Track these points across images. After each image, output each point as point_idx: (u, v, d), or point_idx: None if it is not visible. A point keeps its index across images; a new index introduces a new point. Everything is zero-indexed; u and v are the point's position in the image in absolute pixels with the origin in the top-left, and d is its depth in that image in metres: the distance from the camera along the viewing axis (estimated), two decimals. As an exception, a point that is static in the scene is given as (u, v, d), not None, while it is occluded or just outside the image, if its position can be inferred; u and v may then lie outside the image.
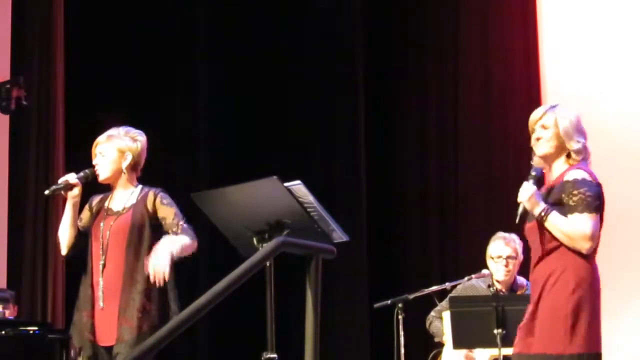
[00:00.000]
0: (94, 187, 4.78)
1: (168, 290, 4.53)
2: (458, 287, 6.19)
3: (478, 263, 6.19)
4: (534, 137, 4.17)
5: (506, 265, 6.02)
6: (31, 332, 5.34)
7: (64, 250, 4.69)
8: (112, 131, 4.71)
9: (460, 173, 8.16)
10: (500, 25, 8.11)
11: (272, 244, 2.83)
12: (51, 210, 7.26)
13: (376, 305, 6.30)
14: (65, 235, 4.66)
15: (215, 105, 8.66)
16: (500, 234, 6.09)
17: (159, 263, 4.37)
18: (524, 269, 5.56)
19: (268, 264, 4.06)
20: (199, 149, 8.63)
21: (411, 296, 6.11)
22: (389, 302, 6.14)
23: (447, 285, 6.20)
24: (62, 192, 4.62)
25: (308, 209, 4.16)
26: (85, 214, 4.72)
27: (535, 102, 7.18)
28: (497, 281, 6.06)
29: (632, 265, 7.15)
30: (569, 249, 4.01)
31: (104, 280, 4.54)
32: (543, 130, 4.14)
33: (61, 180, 4.65)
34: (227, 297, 2.64)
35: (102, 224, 4.62)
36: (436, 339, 6.28)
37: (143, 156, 4.73)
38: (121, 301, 4.48)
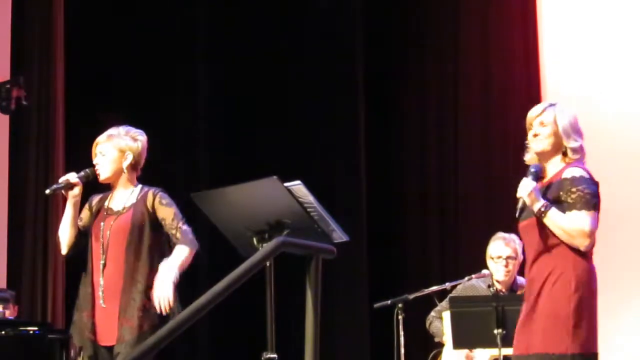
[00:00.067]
0: (93, 187, 4.78)
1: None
2: (458, 287, 6.19)
3: (478, 263, 6.19)
4: (531, 133, 4.18)
5: (506, 266, 6.02)
6: (31, 332, 5.34)
7: (64, 250, 4.69)
8: (113, 131, 4.71)
9: (460, 173, 8.16)
10: (500, 25, 8.11)
11: (272, 244, 2.83)
12: (51, 210, 7.26)
13: (376, 305, 6.30)
14: (65, 235, 4.66)
15: (215, 105, 8.66)
16: (500, 234, 6.09)
17: (163, 295, 4.39)
18: (524, 269, 5.56)
19: (268, 264, 4.06)
20: (199, 149, 8.63)
21: (411, 296, 6.11)
22: (389, 302, 6.14)
23: (447, 285, 6.20)
24: (63, 192, 4.62)
25: (308, 209, 4.16)
26: (85, 214, 4.72)
27: (535, 102, 7.10)
28: (497, 281, 6.06)
29: (632, 265, 7.15)
30: (568, 247, 4.02)
31: (105, 280, 4.54)
32: (541, 127, 4.15)
33: (62, 180, 4.65)
34: (227, 297, 2.64)
35: (102, 224, 4.62)
36: (436, 339, 6.28)
37: (143, 156, 4.73)
38: (122, 301, 4.48)
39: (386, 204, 8.48)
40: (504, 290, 6.04)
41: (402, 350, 6.08)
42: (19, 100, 4.99)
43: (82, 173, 4.65)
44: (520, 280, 6.05)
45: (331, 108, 8.54)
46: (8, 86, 4.98)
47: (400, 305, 6.05)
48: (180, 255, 4.50)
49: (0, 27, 7.42)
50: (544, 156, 4.16)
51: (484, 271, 6.11)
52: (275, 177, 4.12)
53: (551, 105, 4.23)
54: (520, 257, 5.98)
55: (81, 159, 5.15)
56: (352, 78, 8.53)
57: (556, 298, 3.98)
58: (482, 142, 8.11)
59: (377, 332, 7.39)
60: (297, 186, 4.17)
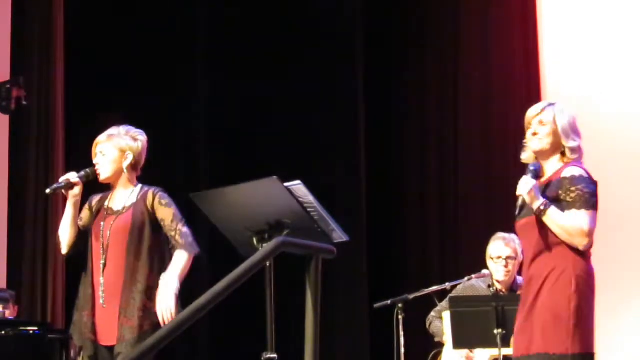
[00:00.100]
0: (93, 187, 4.78)
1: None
2: (458, 287, 6.18)
3: (478, 263, 6.19)
4: (529, 132, 4.19)
5: (506, 266, 6.02)
6: (31, 332, 5.34)
7: (64, 249, 4.69)
8: (113, 130, 4.71)
9: (460, 173, 8.16)
10: (500, 25, 8.11)
11: (272, 244, 2.83)
12: (51, 210, 7.26)
13: (376, 305, 6.30)
14: (65, 234, 4.65)
15: (215, 105, 8.66)
16: (500, 234, 6.09)
17: (165, 307, 4.39)
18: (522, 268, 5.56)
19: (268, 264, 4.05)
20: (199, 149, 8.63)
21: (411, 296, 6.11)
22: (389, 302, 6.13)
23: (447, 285, 6.20)
24: (63, 191, 4.62)
25: (308, 209, 4.15)
26: (85, 214, 4.71)
27: (535, 102, 7.11)
28: (497, 281, 6.06)
29: (632, 265, 7.15)
30: (568, 247, 4.02)
31: (105, 280, 4.54)
32: (541, 126, 4.16)
33: (62, 179, 4.65)
34: (227, 297, 2.64)
35: (102, 224, 4.61)
36: (436, 339, 6.28)
37: (143, 155, 4.73)
38: (122, 300, 4.48)
39: (386, 204, 8.48)
40: (504, 290, 6.04)
41: (402, 350, 6.08)
42: (19, 100, 4.99)
43: (82, 173, 4.64)
44: (520, 280, 6.04)
45: (331, 108, 8.54)
46: (8, 86, 4.98)
47: (400, 305, 6.04)
48: (179, 263, 4.49)
49: (0, 27, 7.42)
50: (542, 155, 4.17)
51: (484, 271, 6.11)
52: (275, 177, 4.12)
53: (550, 104, 4.23)
54: (520, 257, 5.97)
55: (81, 159, 5.15)
56: (352, 78, 8.53)
57: (557, 297, 3.98)
58: (482, 142, 8.11)
59: (377, 332, 7.40)
60: (297, 186, 4.17)
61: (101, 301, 4.54)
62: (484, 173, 8.05)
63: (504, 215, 5.68)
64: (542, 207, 4.03)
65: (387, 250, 8.38)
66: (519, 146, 4.29)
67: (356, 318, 8.18)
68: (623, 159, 7.23)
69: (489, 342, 5.35)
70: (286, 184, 4.14)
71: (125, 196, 4.66)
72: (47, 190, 4.69)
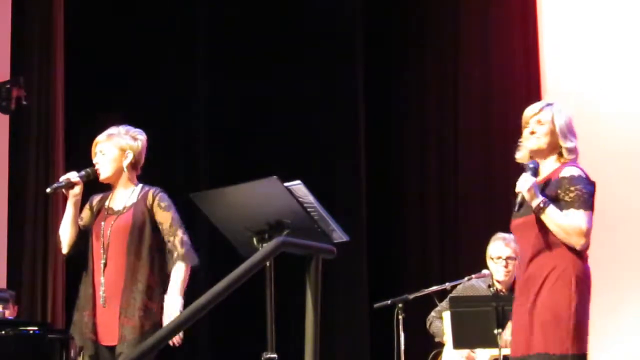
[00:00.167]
0: (94, 187, 4.78)
1: (169, 290, 4.54)
2: (458, 287, 6.18)
3: (478, 263, 6.19)
4: (527, 131, 4.19)
5: (506, 266, 6.02)
6: (31, 332, 5.34)
7: (64, 249, 4.69)
8: (112, 130, 4.71)
9: (460, 173, 8.17)
10: (500, 25, 8.11)
11: (272, 244, 2.83)
12: (51, 210, 7.26)
13: (376, 305, 6.30)
14: (66, 234, 4.65)
15: (215, 105, 8.66)
16: (500, 234, 6.09)
17: None
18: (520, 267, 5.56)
19: (268, 264, 4.05)
20: (199, 149, 8.63)
21: (411, 296, 6.11)
22: (389, 302, 6.13)
23: (447, 285, 6.20)
24: (64, 191, 4.62)
25: (308, 209, 4.15)
26: (86, 213, 4.72)
27: (535, 102, 7.16)
28: (497, 281, 6.06)
29: (632, 265, 7.15)
30: (567, 247, 4.02)
31: (105, 280, 4.54)
32: (538, 126, 4.16)
33: (62, 179, 4.65)
34: (227, 297, 2.64)
35: (102, 223, 4.62)
36: (436, 339, 6.28)
37: (143, 155, 4.73)
38: (122, 300, 4.48)
39: (386, 204, 8.48)
40: (504, 290, 6.04)
41: (402, 350, 6.08)
42: (19, 100, 4.99)
43: (82, 172, 4.64)
44: (520, 280, 6.05)
45: (331, 108, 8.54)
46: (8, 86, 4.97)
47: (400, 305, 6.04)
48: (179, 279, 4.50)
49: (0, 27, 7.43)
50: (538, 154, 4.17)
51: (484, 271, 6.11)
52: (275, 177, 4.12)
53: (548, 104, 4.24)
54: (520, 257, 5.98)
55: (81, 158, 5.14)
56: (352, 78, 8.53)
57: (557, 297, 3.98)
58: (482, 142, 8.11)
59: (377, 332, 7.40)
60: (297, 186, 4.17)
61: (101, 301, 4.54)
62: (484, 173, 8.05)
63: (504, 215, 5.66)
64: (541, 205, 4.03)
65: (387, 250, 8.38)
66: (518, 146, 4.29)
67: (356, 318, 8.18)
68: (623, 159, 7.23)
69: (489, 342, 5.35)
70: (286, 184, 4.14)
71: (125, 196, 4.66)
72: (48, 190, 4.69)
